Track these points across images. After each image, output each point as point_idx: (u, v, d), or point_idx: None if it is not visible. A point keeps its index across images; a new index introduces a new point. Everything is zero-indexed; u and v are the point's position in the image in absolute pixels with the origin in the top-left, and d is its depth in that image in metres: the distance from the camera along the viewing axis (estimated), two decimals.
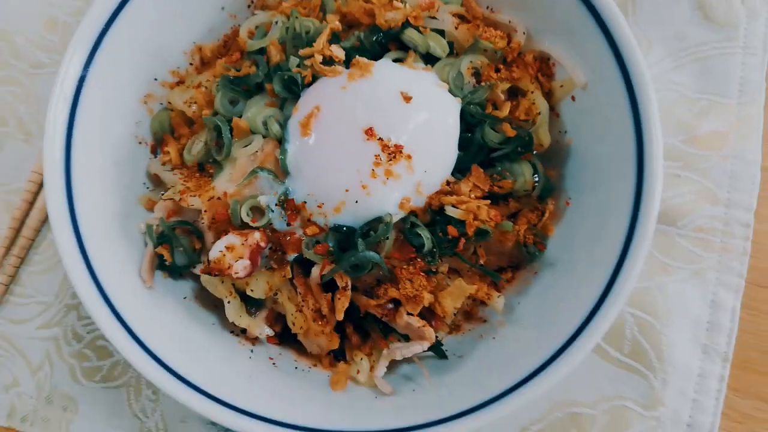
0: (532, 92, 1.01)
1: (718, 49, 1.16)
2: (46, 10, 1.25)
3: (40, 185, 1.17)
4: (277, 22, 1.03)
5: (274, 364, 0.98)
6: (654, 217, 0.86)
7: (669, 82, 1.16)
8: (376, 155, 0.89)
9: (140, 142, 1.06)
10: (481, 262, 0.97)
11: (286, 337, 1.01)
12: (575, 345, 0.84)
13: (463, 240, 0.92)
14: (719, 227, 1.10)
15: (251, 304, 0.99)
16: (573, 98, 1.00)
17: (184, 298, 1.02)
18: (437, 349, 0.97)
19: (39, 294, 1.14)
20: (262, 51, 1.02)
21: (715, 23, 1.16)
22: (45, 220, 1.16)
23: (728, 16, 1.15)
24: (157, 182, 1.07)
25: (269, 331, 0.99)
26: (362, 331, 1.01)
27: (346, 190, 0.90)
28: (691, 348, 1.06)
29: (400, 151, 0.90)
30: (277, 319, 1.01)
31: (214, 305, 1.02)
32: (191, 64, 1.10)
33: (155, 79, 1.06)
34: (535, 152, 1.00)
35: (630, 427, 1.04)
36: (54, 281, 1.14)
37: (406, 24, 0.99)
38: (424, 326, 0.92)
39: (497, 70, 1.01)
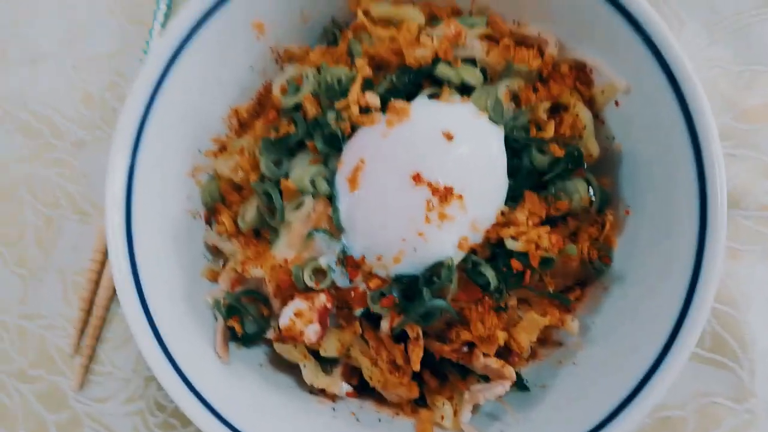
0: (574, 105, 0.98)
1: (755, 16, 1.14)
2: (80, 87, 1.26)
3: (102, 264, 1.17)
4: (308, 76, 1.02)
5: (357, 419, 0.97)
6: (724, 207, 0.83)
7: (708, 59, 1.14)
8: (427, 200, 0.88)
9: (194, 216, 1.06)
10: (550, 289, 0.95)
11: (364, 388, 0.99)
12: (669, 357, 0.82)
13: (528, 272, 0.90)
14: None
15: (325, 362, 0.98)
16: (617, 103, 0.98)
17: (260, 365, 1.02)
18: (518, 384, 0.95)
19: (118, 370, 1.16)
20: (297, 107, 1.02)
21: None
22: (112, 297, 1.17)
23: None
24: (216, 252, 1.07)
25: (347, 387, 0.98)
26: (440, 375, 0.99)
27: (403, 240, 0.89)
28: None
29: (451, 193, 0.88)
30: (353, 372, 1.00)
31: (290, 367, 1.01)
32: (230, 128, 1.09)
33: (199, 151, 1.06)
34: (585, 164, 0.97)
35: (722, 423, 1.03)
36: (130, 355, 1.15)
37: (437, 60, 0.97)
38: (502, 366, 0.91)
39: (535, 90, 0.99)
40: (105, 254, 1.18)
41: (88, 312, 1.17)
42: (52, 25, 1.29)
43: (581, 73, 1.01)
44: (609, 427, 0.81)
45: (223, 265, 1.04)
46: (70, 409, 1.16)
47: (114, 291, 1.15)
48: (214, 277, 1.03)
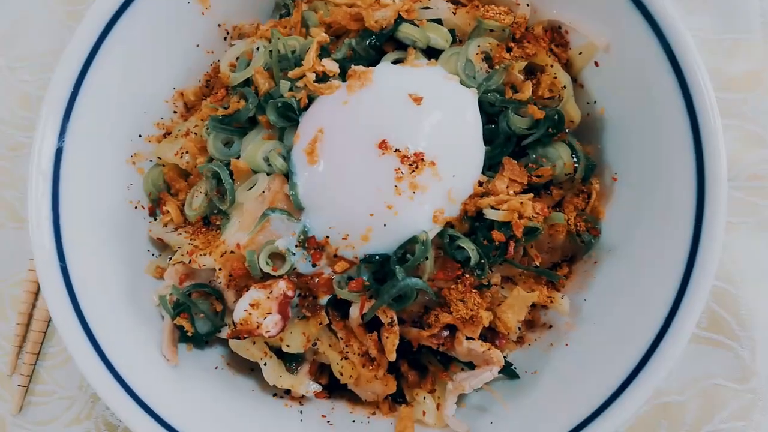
0: (551, 66, 0.97)
1: None
2: (18, 87, 1.23)
3: None
4: (258, 48, 1.00)
5: (328, 422, 0.94)
6: (725, 173, 0.81)
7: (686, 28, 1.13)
8: (396, 169, 0.85)
9: (136, 207, 1.02)
10: (536, 263, 0.93)
11: (335, 388, 0.98)
12: (668, 338, 0.79)
13: (512, 244, 0.87)
14: None
15: (290, 360, 0.96)
16: (596, 63, 0.96)
17: (216, 367, 0.98)
18: (507, 370, 0.92)
19: (61, 388, 1.12)
20: (249, 82, 1.00)
21: None
22: None
23: None
24: (162, 246, 1.04)
25: (316, 387, 0.95)
26: (419, 367, 0.97)
27: (371, 215, 0.86)
28: None
29: (422, 159, 0.86)
30: (322, 370, 0.98)
31: (250, 369, 0.99)
32: (175, 112, 1.07)
33: (140, 136, 1.03)
34: (567, 130, 0.96)
35: (726, 406, 1.02)
36: (75, 372, 1.11)
37: (399, 20, 0.95)
38: (489, 349, 0.88)
39: (509, 50, 0.97)
40: None
41: (27, 326, 1.14)
42: None
43: (556, 35, 1.00)
44: (605, 415, 0.79)
45: (170, 260, 1.00)
46: None
47: None
48: (160, 274, 1.01)
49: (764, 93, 1.12)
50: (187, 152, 1.00)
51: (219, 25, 1.05)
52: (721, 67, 1.12)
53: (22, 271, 1.15)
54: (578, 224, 0.95)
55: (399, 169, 0.85)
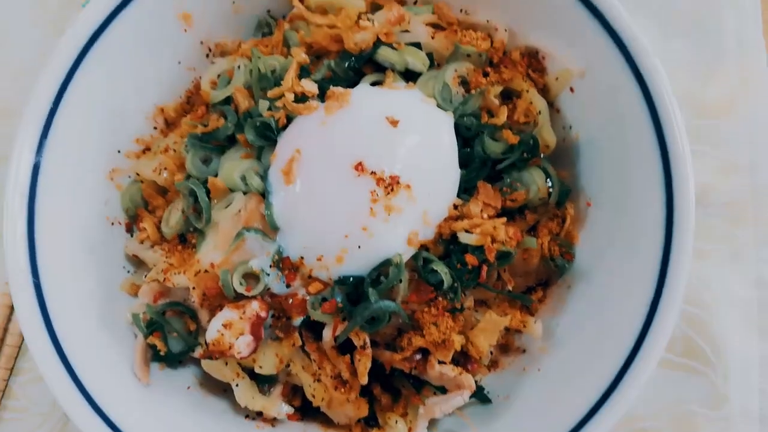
0: (527, 91, 0.98)
1: (706, 12, 1.15)
2: None
3: None
4: (239, 67, 1.00)
5: None
6: (692, 198, 0.82)
7: (662, 55, 1.09)
8: (371, 191, 0.86)
9: (113, 223, 1.02)
10: (509, 287, 0.93)
11: (308, 410, 0.97)
12: (637, 361, 0.80)
13: (485, 268, 0.88)
14: (747, 197, 1.09)
15: (262, 381, 0.95)
16: (572, 90, 0.97)
17: (188, 387, 0.98)
18: (479, 395, 0.93)
19: (34, 405, 1.11)
20: (229, 100, 1.00)
21: None
22: None
23: None
24: (138, 264, 1.04)
25: (288, 409, 0.94)
26: (392, 390, 0.97)
27: (346, 236, 0.86)
28: (746, 333, 1.05)
29: (397, 182, 0.86)
30: (295, 391, 0.97)
31: (223, 389, 0.98)
32: (155, 128, 1.06)
33: (119, 151, 1.03)
34: (542, 155, 0.98)
35: None
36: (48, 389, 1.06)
37: (378, 43, 0.96)
38: (460, 374, 0.88)
39: (485, 75, 0.98)
40: None
41: (1, 341, 1.13)
42: None
43: (533, 60, 1.01)
44: None
45: (146, 277, 1.00)
46: None
47: None
48: (135, 291, 1.00)
49: (738, 120, 1.12)
50: (165, 169, 1.00)
51: (201, 43, 1.06)
52: (696, 91, 1.13)
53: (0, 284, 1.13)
54: (552, 249, 0.95)
55: (374, 191, 0.85)
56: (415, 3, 1.04)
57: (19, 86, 1.22)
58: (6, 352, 1.11)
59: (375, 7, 1.03)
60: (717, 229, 1.09)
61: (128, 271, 1.02)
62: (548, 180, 0.95)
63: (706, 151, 1.11)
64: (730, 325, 1.05)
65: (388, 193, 0.85)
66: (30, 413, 1.10)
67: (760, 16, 1.14)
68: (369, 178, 0.85)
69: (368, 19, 0.97)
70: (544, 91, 0.99)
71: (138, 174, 1.02)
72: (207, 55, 1.07)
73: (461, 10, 1.02)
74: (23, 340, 1.11)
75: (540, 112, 0.96)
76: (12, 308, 1.12)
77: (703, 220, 1.08)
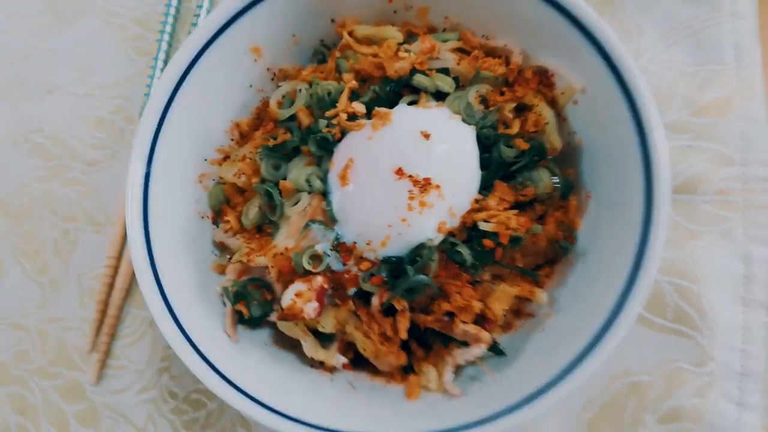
0: (537, 105, 1.02)
1: (707, 20, 1.17)
2: (92, 113, 1.32)
3: (115, 268, 1.23)
4: (300, 90, 1.06)
5: (353, 387, 1.00)
6: (667, 185, 0.86)
7: (666, 62, 1.17)
8: (409, 191, 0.91)
9: (203, 217, 1.09)
10: (520, 265, 0.99)
11: (359, 362, 1.02)
12: (619, 318, 0.85)
13: (499, 249, 0.93)
14: (739, 186, 1.11)
15: (324, 339, 1.01)
16: (575, 102, 1.02)
17: (265, 343, 1.04)
18: (495, 348, 0.98)
19: (131, 363, 1.20)
20: (292, 117, 1.06)
21: None
22: (125, 298, 1.23)
23: None
24: (223, 248, 1.09)
25: (343, 360, 0.99)
26: (425, 345, 1.02)
27: (389, 226, 0.92)
28: (731, 303, 1.07)
29: (429, 183, 0.92)
30: (349, 348, 1.02)
31: (292, 346, 1.04)
32: (232, 140, 1.13)
33: (205, 160, 1.10)
34: (550, 157, 1.02)
35: (685, 385, 1.05)
36: (143, 350, 1.20)
37: (414, 71, 1.01)
38: (479, 331, 0.94)
39: (501, 93, 1.03)
40: (117, 260, 1.24)
41: (104, 312, 1.22)
42: (66, 59, 1.35)
43: (544, 77, 1.05)
44: (571, 374, 0.85)
45: (230, 259, 1.06)
46: (89, 401, 1.19)
47: (126, 292, 1.23)
48: (221, 271, 1.07)
49: (734, 118, 1.12)
50: (243, 174, 1.06)
51: (268, 69, 1.13)
52: (696, 95, 1.14)
53: (99, 267, 1.23)
54: (558, 233, 0.99)
55: (411, 190, 0.91)
56: (444, 30, 1.10)
57: (110, 101, 1.32)
58: (108, 322, 1.21)
59: (409, 34, 1.10)
60: (710, 213, 1.10)
61: (215, 255, 1.09)
62: (554, 177, 0.99)
63: (702, 146, 1.12)
64: (718, 295, 1.06)
65: (422, 192, 0.91)
66: (128, 370, 1.19)
67: (756, 24, 1.15)
68: (407, 180, 0.91)
69: (406, 51, 1.02)
70: (552, 102, 1.03)
71: (221, 178, 1.09)
72: (272, 79, 1.14)
73: (483, 36, 1.08)
74: (120, 312, 1.21)
75: (547, 122, 1.00)
76: (111, 286, 1.22)
77: (699, 206, 1.10)
